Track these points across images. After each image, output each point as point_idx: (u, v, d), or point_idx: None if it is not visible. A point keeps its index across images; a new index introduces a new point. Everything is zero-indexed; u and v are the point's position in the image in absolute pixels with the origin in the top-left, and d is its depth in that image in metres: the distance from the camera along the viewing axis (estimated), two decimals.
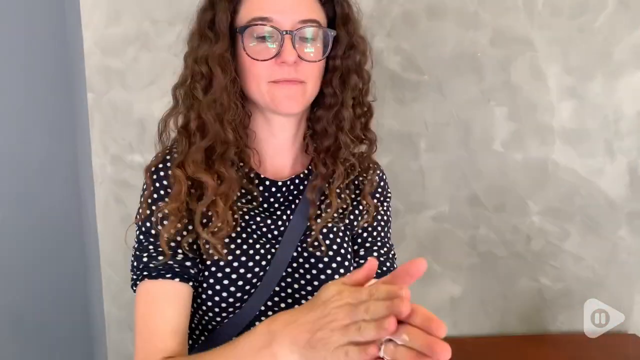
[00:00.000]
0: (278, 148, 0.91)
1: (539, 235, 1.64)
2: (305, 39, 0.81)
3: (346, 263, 0.89)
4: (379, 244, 0.92)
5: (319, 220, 0.88)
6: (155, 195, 0.84)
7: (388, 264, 0.92)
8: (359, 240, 0.92)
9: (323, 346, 0.56)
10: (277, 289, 0.85)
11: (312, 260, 0.87)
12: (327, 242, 0.88)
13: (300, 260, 0.87)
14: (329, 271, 0.86)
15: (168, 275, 0.81)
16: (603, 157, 1.62)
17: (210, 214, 0.83)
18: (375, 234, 0.93)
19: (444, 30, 1.54)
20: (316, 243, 0.87)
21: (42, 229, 1.84)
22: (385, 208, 0.96)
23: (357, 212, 0.93)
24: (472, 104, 1.58)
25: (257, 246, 0.85)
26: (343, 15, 0.86)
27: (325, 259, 0.87)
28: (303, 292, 0.86)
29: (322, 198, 0.91)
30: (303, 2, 0.82)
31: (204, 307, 0.85)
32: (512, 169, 1.61)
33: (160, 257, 0.82)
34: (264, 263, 0.85)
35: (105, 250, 1.60)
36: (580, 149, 1.61)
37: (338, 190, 0.90)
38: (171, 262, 0.82)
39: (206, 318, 0.87)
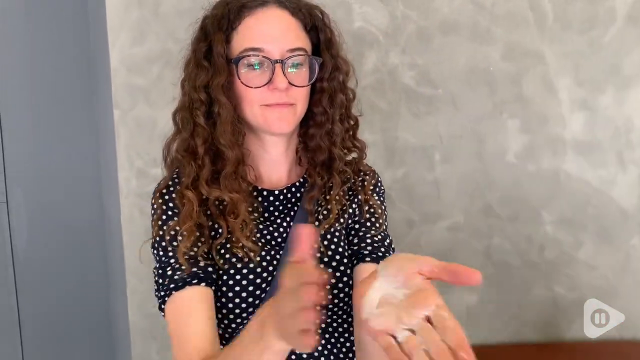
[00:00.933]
0: (272, 163, 0.97)
1: (553, 244, 1.68)
2: (294, 65, 0.89)
3: (345, 260, 0.94)
4: (372, 231, 0.97)
5: (318, 228, 0.94)
6: (164, 217, 0.91)
7: (383, 249, 0.96)
8: (353, 232, 0.98)
9: (288, 335, 0.60)
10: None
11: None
12: (325, 243, 0.94)
13: None
14: (329, 270, 0.92)
15: (194, 282, 0.86)
16: (615, 168, 1.65)
17: (237, 222, 0.90)
18: (369, 224, 0.98)
19: (457, 46, 1.59)
20: (315, 246, 0.92)
21: (67, 241, 1.90)
22: (378, 202, 1.01)
23: (350, 211, 0.99)
24: (485, 117, 1.62)
25: (263, 253, 0.91)
26: (326, 41, 0.94)
27: (325, 259, 0.93)
28: None
29: (318, 208, 0.97)
30: (290, 32, 0.89)
31: (220, 315, 0.91)
32: (525, 179, 1.65)
33: (183, 267, 0.88)
34: (270, 268, 0.91)
35: (130, 261, 1.65)
36: (592, 160, 1.65)
37: (337, 199, 0.96)
38: (194, 269, 0.87)
39: (222, 326, 0.92)
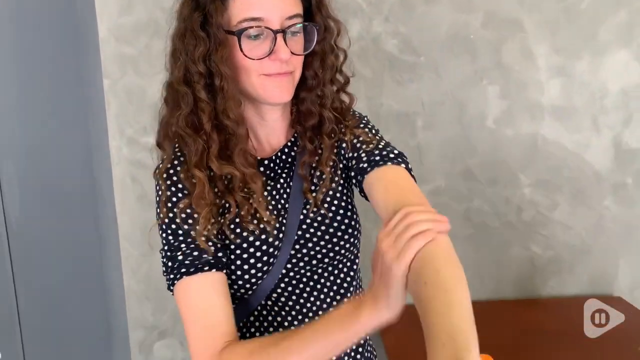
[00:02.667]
0: (269, 129, 0.97)
1: (530, 206, 1.75)
2: (294, 34, 0.88)
3: (348, 214, 0.97)
4: (363, 146, 0.94)
5: (314, 194, 0.95)
6: (174, 198, 0.87)
7: (377, 151, 0.92)
8: (350, 163, 0.96)
9: (388, 272, 0.70)
10: (292, 252, 0.94)
11: (315, 224, 0.95)
12: (326, 205, 0.96)
13: (304, 226, 0.95)
14: (332, 229, 0.95)
15: (206, 269, 0.85)
16: (589, 132, 1.72)
17: (248, 198, 0.90)
18: (359, 145, 0.95)
19: (439, 14, 1.63)
20: (315, 209, 0.95)
21: (59, 210, 1.93)
22: (361, 125, 1.00)
23: (341, 156, 0.98)
24: (466, 84, 1.67)
25: (268, 213, 0.92)
26: (317, 3, 0.92)
27: (327, 221, 0.95)
28: (314, 252, 0.95)
29: (312, 172, 0.97)
30: None
31: (233, 277, 0.91)
32: (504, 144, 1.71)
33: (195, 253, 0.86)
34: (275, 232, 0.92)
35: (124, 227, 1.70)
36: (568, 125, 1.71)
37: (327, 159, 0.96)
38: (205, 256, 0.86)
39: (235, 287, 0.94)
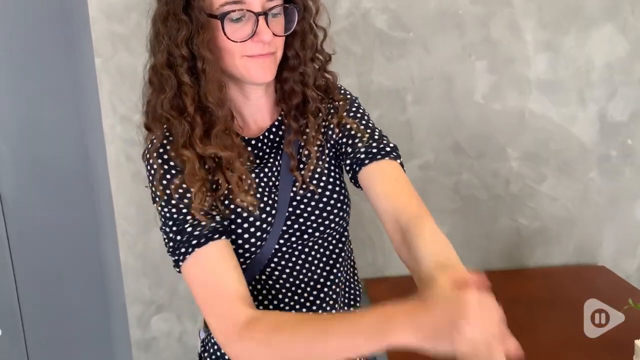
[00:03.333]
0: (253, 108, 0.99)
1: (517, 178, 1.79)
2: (275, 15, 0.89)
3: (337, 188, 1.00)
4: (358, 134, 0.98)
5: (302, 172, 0.98)
6: (168, 176, 0.89)
7: (375, 144, 0.96)
8: (342, 149, 0.99)
9: (449, 342, 0.65)
10: (284, 228, 0.97)
11: (305, 200, 0.98)
12: (315, 182, 0.98)
13: (295, 203, 0.98)
14: (321, 205, 0.98)
15: (216, 237, 0.87)
16: (576, 106, 1.75)
17: (234, 178, 0.92)
18: (353, 132, 0.99)
19: None
20: (304, 186, 0.98)
21: (54, 189, 1.95)
22: (354, 108, 1.02)
23: (328, 137, 1.01)
24: (454, 59, 1.70)
25: (265, 198, 0.96)
26: None
27: (316, 196, 0.98)
28: (305, 227, 0.98)
29: (300, 150, 1.00)
30: None
31: None
32: (492, 118, 1.75)
33: (203, 223, 0.87)
34: (268, 209, 0.96)
35: (119, 205, 1.73)
36: (554, 99, 1.74)
37: (312, 139, 0.98)
38: (213, 224, 0.88)
39: None
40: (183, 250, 0.86)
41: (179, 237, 0.88)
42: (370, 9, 1.63)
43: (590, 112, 1.76)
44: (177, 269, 0.89)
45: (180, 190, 0.89)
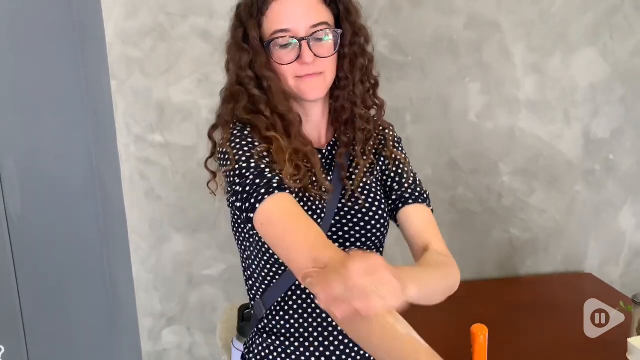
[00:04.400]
0: (313, 125, 1.10)
1: (509, 192, 1.91)
2: (319, 39, 1.00)
3: (382, 206, 1.10)
4: (404, 176, 1.12)
5: (351, 182, 1.08)
6: (253, 143, 0.98)
7: (418, 189, 1.12)
8: (389, 182, 1.13)
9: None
10: (329, 234, 1.05)
11: (353, 211, 1.07)
12: (365, 193, 1.09)
13: (342, 213, 1.07)
14: (367, 218, 1.07)
15: (287, 190, 0.92)
16: (562, 124, 1.88)
17: (308, 169, 1.02)
18: (400, 172, 1.13)
19: (425, 17, 1.76)
20: (353, 199, 1.08)
21: (60, 206, 2.00)
22: (400, 149, 1.17)
23: (380, 163, 1.14)
24: (449, 81, 1.81)
25: (318, 202, 1.04)
26: (345, 11, 1.05)
27: (364, 210, 1.07)
28: (347, 236, 1.07)
29: (349, 162, 1.11)
30: (311, 10, 1.00)
31: (276, 255, 1.01)
32: (484, 136, 1.86)
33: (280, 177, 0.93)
34: (319, 211, 1.04)
35: (132, 221, 1.79)
36: (542, 117, 1.87)
37: (362, 153, 1.10)
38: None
39: (275, 264, 1.04)
40: (263, 191, 0.90)
41: (257, 181, 0.92)
42: (371, 34, 1.73)
43: (575, 129, 1.89)
44: (250, 215, 0.91)
45: (265, 153, 0.97)
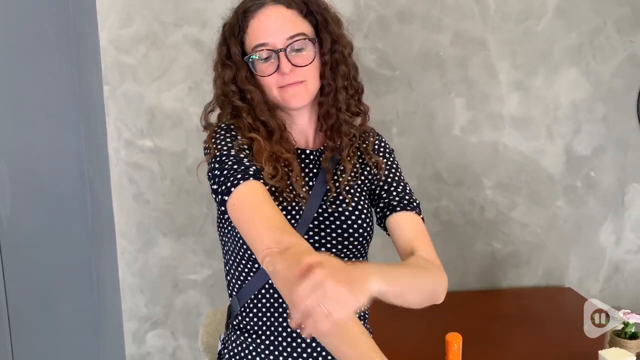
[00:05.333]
0: (300, 131, 1.15)
1: (492, 206, 1.94)
2: (297, 50, 1.05)
3: (365, 211, 1.12)
4: (394, 184, 1.15)
5: (337, 184, 1.12)
6: (231, 134, 1.06)
7: (407, 197, 1.13)
8: (377, 190, 1.15)
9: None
10: (306, 236, 1.07)
11: (336, 214, 1.10)
12: (345, 193, 1.11)
13: (322, 218, 1.09)
14: (349, 222, 1.10)
15: (261, 180, 1.00)
16: (544, 140, 1.92)
17: (294, 173, 1.07)
18: (389, 180, 1.16)
19: (412, 33, 1.81)
20: (338, 202, 1.10)
21: (50, 209, 2.02)
22: (391, 159, 1.20)
23: (366, 172, 1.17)
24: (435, 96, 1.86)
25: (294, 204, 1.06)
26: (323, 21, 1.09)
27: (347, 213, 1.10)
28: (324, 241, 1.08)
29: (336, 166, 1.14)
30: (287, 22, 1.05)
31: (250, 251, 1.03)
32: (469, 150, 1.90)
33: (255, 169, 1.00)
34: (294, 212, 1.06)
35: (120, 224, 1.81)
36: (525, 133, 1.91)
37: (348, 158, 1.13)
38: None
39: (249, 260, 1.07)
40: (239, 177, 0.98)
41: (235, 167, 0.99)
42: (360, 49, 1.77)
43: (558, 146, 1.93)
44: (224, 198, 0.98)
45: (245, 147, 1.04)
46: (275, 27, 1.04)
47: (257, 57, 1.05)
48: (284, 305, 1.09)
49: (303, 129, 1.15)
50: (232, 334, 1.15)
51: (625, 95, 1.93)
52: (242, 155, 1.02)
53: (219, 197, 0.99)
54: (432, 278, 1.03)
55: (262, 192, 0.98)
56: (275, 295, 1.09)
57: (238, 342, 1.13)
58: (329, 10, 1.11)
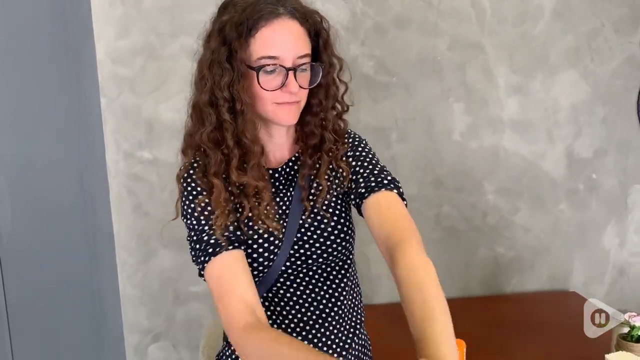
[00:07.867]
0: (276, 145, 1.12)
1: (494, 211, 1.93)
2: (303, 70, 1.03)
3: (342, 221, 1.11)
4: (361, 171, 1.09)
5: (311, 202, 1.10)
6: (191, 196, 1.04)
7: (373, 178, 1.06)
8: (349, 185, 1.11)
9: None
10: (291, 251, 1.08)
11: (312, 228, 1.09)
12: (325, 209, 1.10)
13: (303, 230, 1.09)
14: (326, 234, 1.09)
15: (230, 247, 1.00)
16: (545, 144, 1.91)
17: (258, 204, 1.05)
18: (357, 169, 1.10)
19: (409, 39, 1.80)
20: (312, 215, 1.09)
21: (50, 223, 2.01)
22: (362, 154, 1.13)
23: (337, 180, 1.13)
24: (434, 101, 1.85)
25: (265, 235, 1.06)
26: (324, 43, 1.07)
27: (322, 226, 1.09)
28: (310, 253, 1.09)
29: (311, 183, 1.12)
30: (300, 40, 1.01)
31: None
32: (469, 155, 1.89)
33: (218, 235, 1.00)
34: (277, 233, 1.06)
35: (120, 236, 1.81)
36: (525, 137, 1.90)
37: (326, 176, 1.10)
38: (227, 234, 1.01)
39: None
40: (202, 259, 1.00)
41: (197, 246, 1.01)
42: (358, 55, 1.78)
43: (558, 149, 1.92)
44: (203, 279, 1.01)
45: (203, 204, 1.02)
46: (289, 42, 1.00)
47: (264, 69, 0.99)
48: (278, 320, 1.09)
49: (279, 143, 1.12)
50: (227, 349, 1.15)
51: (625, 96, 1.92)
52: (206, 228, 1.01)
53: (197, 267, 1.02)
54: (448, 316, 0.91)
55: (230, 266, 0.99)
56: (272, 308, 1.09)
57: (234, 356, 1.13)
58: (330, 32, 1.08)
